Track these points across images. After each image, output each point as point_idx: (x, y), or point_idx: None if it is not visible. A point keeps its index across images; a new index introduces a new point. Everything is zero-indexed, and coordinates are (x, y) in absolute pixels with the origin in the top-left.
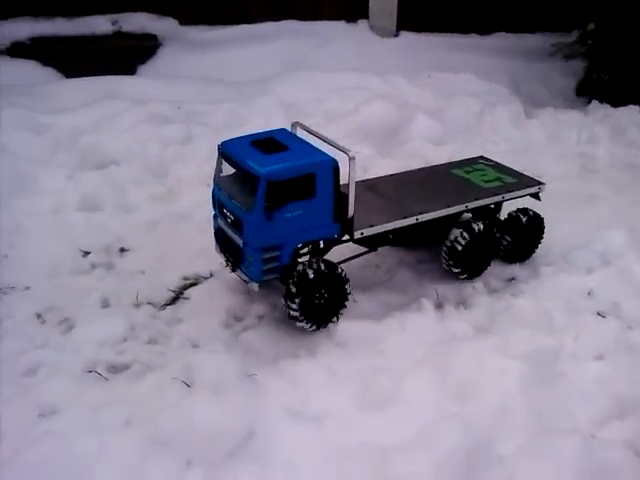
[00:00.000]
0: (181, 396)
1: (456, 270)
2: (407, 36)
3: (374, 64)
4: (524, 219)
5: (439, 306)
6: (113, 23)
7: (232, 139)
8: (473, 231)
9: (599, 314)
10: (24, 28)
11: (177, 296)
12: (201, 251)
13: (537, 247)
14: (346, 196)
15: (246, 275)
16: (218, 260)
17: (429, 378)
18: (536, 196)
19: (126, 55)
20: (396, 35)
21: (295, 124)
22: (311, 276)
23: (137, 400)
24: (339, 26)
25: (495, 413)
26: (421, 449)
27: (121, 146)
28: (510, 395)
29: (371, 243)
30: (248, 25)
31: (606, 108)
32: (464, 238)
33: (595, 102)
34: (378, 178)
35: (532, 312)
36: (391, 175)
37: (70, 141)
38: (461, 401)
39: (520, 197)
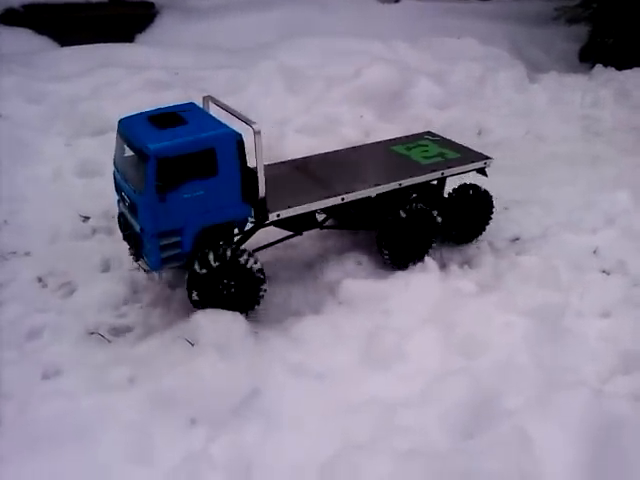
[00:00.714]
0: (185, 355)
1: (386, 256)
2: (408, 2)
3: (375, 30)
4: (463, 196)
5: (443, 266)
6: None
7: (131, 115)
8: (399, 216)
9: (604, 272)
10: None
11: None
12: None
13: (484, 226)
14: (256, 174)
15: (146, 264)
16: None
17: (434, 335)
18: (482, 172)
19: (123, 23)
20: (397, 1)
21: (206, 98)
22: (213, 265)
23: (140, 360)
24: None
25: (501, 368)
26: (428, 403)
27: (119, 112)
28: (516, 350)
29: (296, 226)
30: None
31: (610, 71)
32: (392, 224)
33: (599, 66)
34: (311, 157)
35: (537, 270)
36: (326, 153)
37: (68, 108)
38: (467, 357)
39: (463, 173)
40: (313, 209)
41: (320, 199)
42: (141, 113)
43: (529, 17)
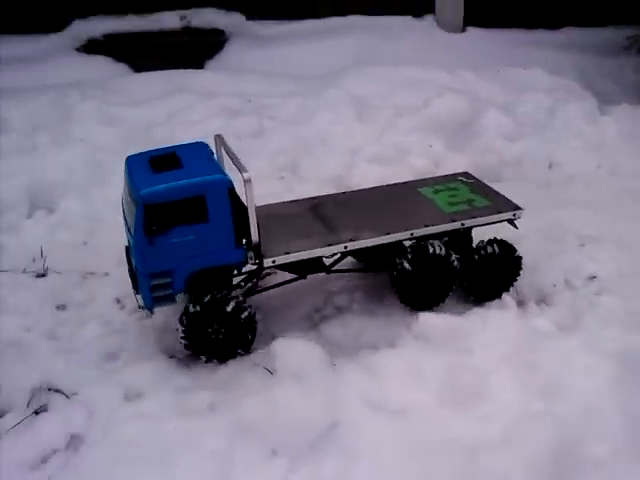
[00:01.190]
0: (264, 383)
1: (404, 302)
2: (474, 31)
3: (441, 59)
4: (482, 252)
5: (520, 303)
6: (182, 19)
7: (138, 154)
8: (410, 260)
9: None
10: (99, 25)
11: (255, 285)
12: None
13: (507, 286)
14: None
15: (142, 299)
16: None
17: (514, 375)
18: (512, 223)
19: (194, 50)
20: (463, 30)
21: (217, 137)
22: (191, 310)
23: (219, 386)
24: (405, 21)
25: (584, 414)
26: (510, 447)
27: (193, 138)
28: (600, 396)
29: (300, 269)
30: (315, 20)
31: None
32: (403, 267)
33: None
34: (329, 196)
35: (619, 311)
36: (349, 192)
37: (143, 133)
38: (548, 400)
39: (487, 224)
40: (311, 256)
41: (322, 246)
42: (147, 152)
43: (598, 47)
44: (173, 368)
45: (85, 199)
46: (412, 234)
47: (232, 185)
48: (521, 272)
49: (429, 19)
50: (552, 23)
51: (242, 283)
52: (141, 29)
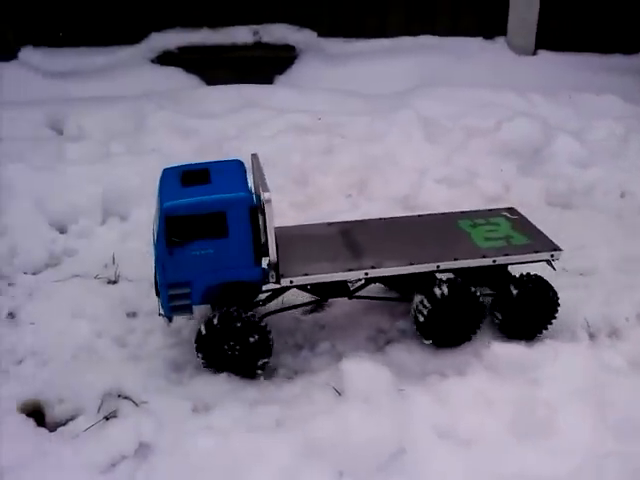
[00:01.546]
0: (332, 404)
1: (426, 342)
2: (546, 54)
3: (512, 81)
4: (517, 288)
5: (591, 336)
6: (254, 33)
7: (174, 167)
8: (435, 297)
9: None
10: (174, 38)
11: (320, 303)
12: None
13: (543, 324)
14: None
15: (161, 307)
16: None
17: (586, 411)
18: (550, 264)
19: (264, 65)
20: (534, 53)
21: (253, 156)
22: (203, 330)
23: (287, 403)
24: (476, 42)
25: None
26: None
27: (264, 154)
28: None
29: (321, 292)
30: (385, 39)
31: None
32: (425, 307)
33: None
34: (365, 221)
35: None
36: (383, 219)
37: (215, 146)
38: (621, 440)
39: (522, 263)
40: (329, 280)
41: (342, 271)
42: (182, 166)
43: None
44: (238, 381)
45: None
46: (438, 266)
47: (254, 204)
48: (557, 311)
49: (500, 41)
50: (628, 48)
51: (260, 302)
52: (214, 43)
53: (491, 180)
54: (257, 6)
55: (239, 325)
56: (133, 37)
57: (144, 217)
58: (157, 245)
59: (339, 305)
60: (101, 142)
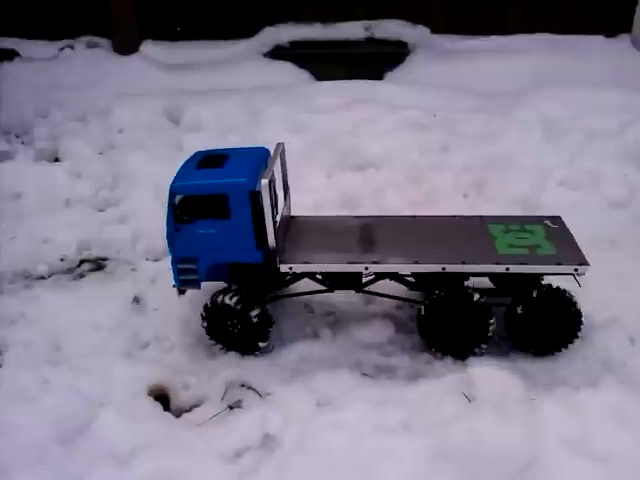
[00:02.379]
0: (462, 410)
1: (424, 340)
2: None
3: (636, 82)
4: (541, 299)
5: None
6: (366, 29)
7: (205, 150)
8: (433, 299)
9: None
10: (287, 32)
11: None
12: None
13: (564, 342)
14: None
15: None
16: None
17: None
18: (576, 278)
19: (375, 60)
20: None
21: (279, 145)
22: (208, 305)
23: (413, 405)
24: (597, 40)
25: None
26: None
27: (380, 150)
28: None
29: (331, 283)
30: (500, 36)
31: None
32: (424, 305)
33: None
34: (391, 217)
35: None
36: (410, 217)
37: (328, 141)
38: None
39: (541, 274)
40: (329, 270)
41: (344, 263)
42: (210, 150)
43: None
44: (361, 381)
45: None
46: (444, 268)
47: (254, 190)
48: (580, 329)
49: (624, 39)
50: None
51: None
52: (325, 38)
53: (614, 184)
54: (371, 2)
55: (235, 304)
56: (247, 31)
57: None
58: (166, 222)
59: None
60: (217, 133)
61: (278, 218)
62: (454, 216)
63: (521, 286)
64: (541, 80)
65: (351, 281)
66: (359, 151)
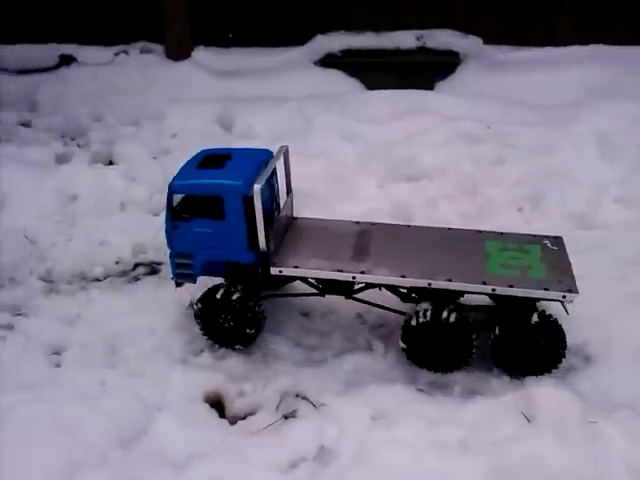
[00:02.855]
0: (521, 430)
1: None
2: None
3: None
4: (521, 319)
5: None
6: (418, 38)
7: (209, 148)
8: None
9: None
10: (338, 41)
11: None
12: None
13: (544, 366)
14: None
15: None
16: None
17: None
18: (564, 305)
19: (426, 70)
20: None
21: (282, 147)
22: (198, 304)
23: (470, 423)
24: None
25: None
26: None
27: (433, 161)
28: None
29: (323, 287)
30: (553, 47)
31: None
32: (410, 316)
33: None
34: (389, 225)
35: None
36: (408, 226)
37: (381, 151)
38: None
39: (527, 298)
40: (318, 277)
41: (332, 270)
42: (214, 149)
43: None
44: (416, 396)
45: (325, 210)
46: (430, 284)
47: (248, 193)
48: (563, 355)
49: None
50: None
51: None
52: (376, 46)
53: None
54: (423, 12)
55: (219, 301)
56: (298, 39)
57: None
58: (165, 219)
59: None
60: (269, 141)
61: (279, 218)
62: (450, 229)
63: (516, 307)
64: (595, 93)
65: (342, 288)
66: (412, 161)
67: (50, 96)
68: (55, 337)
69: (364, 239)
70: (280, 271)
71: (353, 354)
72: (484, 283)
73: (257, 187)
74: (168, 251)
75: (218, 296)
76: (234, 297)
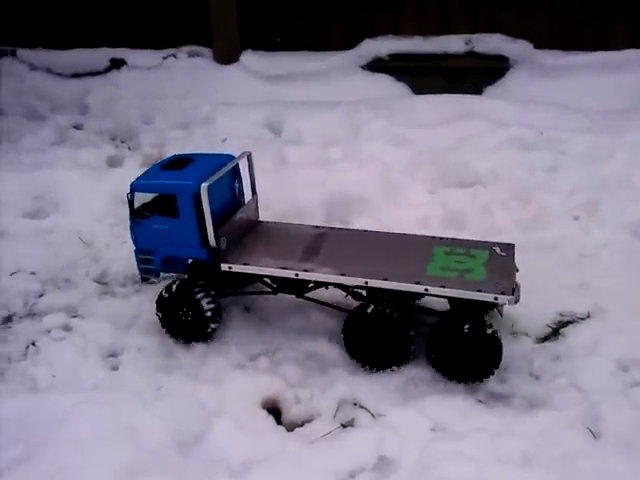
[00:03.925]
0: (586, 445)
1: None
2: None
3: None
4: (452, 322)
5: None
6: (466, 43)
7: (179, 153)
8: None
9: None
10: (385, 45)
11: (554, 332)
12: (574, 288)
13: (478, 371)
14: (221, 225)
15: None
16: (594, 299)
17: None
18: (494, 307)
19: (475, 75)
20: None
21: (245, 154)
22: (164, 295)
23: (532, 437)
24: None
25: None
26: None
27: (487, 167)
28: None
29: (274, 286)
30: (606, 52)
31: None
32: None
33: None
34: (346, 230)
35: None
36: (364, 231)
37: (432, 157)
38: None
39: (461, 299)
40: (264, 273)
41: (277, 268)
42: (183, 154)
43: None
44: (476, 408)
45: (376, 218)
46: (366, 282)
47: (198, 192)
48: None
49: None
50: None
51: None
52: (424, 51)
53: None
54: (472, 16)
55: (197, 296)
56: (347, 43)
57: (366, 224)
58: (129, 216)
59: (575, 337)
60: (318, 146)
61: (237, 218)
62: (403, 234)
63: (459, 314)
64: None
65: (293, 286)
66: (464, 167)
67: (101, 99)
68: (111, 339)
69: (318, 241)
70: (229, 267)
71: (411, 365)
72: (418, 283)
73: (204, 186)
74: (133, 248)
75: (173, 289)
76: (190, 291)
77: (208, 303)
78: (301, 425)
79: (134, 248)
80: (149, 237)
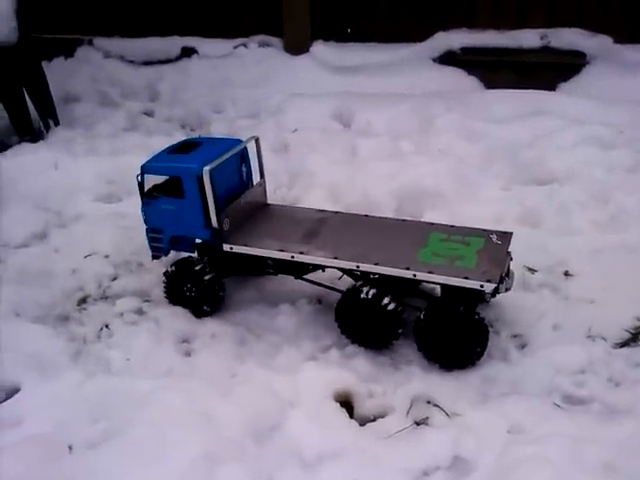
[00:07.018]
0: None
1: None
2: None
3: None
4: (438, 308)
5: None
6: (542, 37)
7: (191, 137)
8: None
9: None
10: (458, 38)
11: (634, 338)
12: None
13: (460, 360)
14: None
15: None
16: None
17: None
18: (480, 295)
19: (549, 70)
20: None
21: (253, 138)
22: (171, 269)
23: (614, 444)
24: None
25: None
26: None
27: (564, 165)
28: None
29: (273, 267)
30: None
31: None
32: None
33: None
34: (347, 214)
35: None
36: (365, 216)
37: (507, 153)
38: None
39: (448, 285)
40: (262, 254)
41: (275, 250)
42: (193, 138)
43: None
44: (554, 411)
45: (449, 213)
46: (358, 266)
47: (202, 174)
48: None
49: None
50: None
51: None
52: (498, 45)
53: None
54: (549, 9)
55: (199, 271)
56: (419, 35)
57: (436, 218)
58: (140, 197)
59: None
60: (390, 139)
61: (243, 200)
62: (404, 220)
63: (449, 300)
64: None
65: (292, 268)
66: (540, 165)
67: (171, 87)
68: (184, 325)
69: (319, 225)
70: (231, 248)
71: (486, 365)
72: (407, 268)
73: (206, 169)
74: (144, 227)
75: (182, 264)
76: (195, 268)
77: (210, 284)
78: (373, 420)
79: (145, 227)
80: (158, 217)
